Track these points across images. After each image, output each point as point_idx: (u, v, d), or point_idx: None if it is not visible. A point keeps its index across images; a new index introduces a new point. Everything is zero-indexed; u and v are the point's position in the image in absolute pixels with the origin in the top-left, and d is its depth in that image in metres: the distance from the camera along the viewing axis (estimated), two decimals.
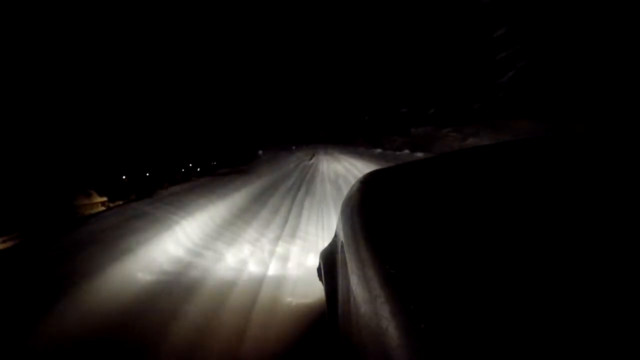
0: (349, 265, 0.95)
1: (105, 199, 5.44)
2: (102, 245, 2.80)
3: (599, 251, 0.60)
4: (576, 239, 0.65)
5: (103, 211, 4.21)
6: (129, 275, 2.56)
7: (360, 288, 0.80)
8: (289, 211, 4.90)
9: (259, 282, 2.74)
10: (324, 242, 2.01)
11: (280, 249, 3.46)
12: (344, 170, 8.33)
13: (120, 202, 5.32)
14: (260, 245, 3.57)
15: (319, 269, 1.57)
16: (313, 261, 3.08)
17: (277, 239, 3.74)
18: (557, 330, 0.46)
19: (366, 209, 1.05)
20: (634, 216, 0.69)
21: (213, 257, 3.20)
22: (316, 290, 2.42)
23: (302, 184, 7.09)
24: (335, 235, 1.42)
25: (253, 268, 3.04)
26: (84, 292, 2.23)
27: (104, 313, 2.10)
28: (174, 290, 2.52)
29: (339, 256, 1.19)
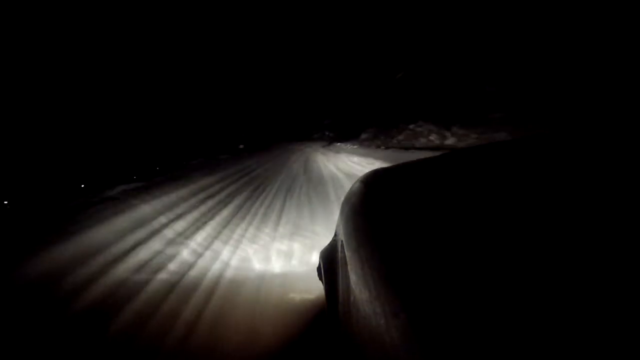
0: (348, 264, 0.95)
1: None
2: (89, 246, 2.80)
3: (604, 254, 0.60)
4: (581, 240, 0.65)
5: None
6: (124, 277, 2.58)
7: (360, 287, 0.80)
8: (293, 209, 4.91)
9: (262, 279, 2.77)
10: (327, 241, 2.03)
11: (283, 246, 3.48)
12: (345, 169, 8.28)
13: None
14: (263, 243, 3.59)
15: (318, 268, 1.57)
16: (316, 258, 3.10)
17: (280, 236, 3.76)
18: (560, 336, 0.45)
19: (366, 208, 1.04)
20: (634, 216, 0.68)
21: (214, 257, 3.22)
22: (319, 287, 2.44)
23: (304, 182, 7.09)
24: (335, 234, 1.42)
25: (256, 265, 3.06)
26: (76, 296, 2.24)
27: (103, 316, 2.12)
28: (176, 290, 2.54)
29: (339, 255, 1.19)
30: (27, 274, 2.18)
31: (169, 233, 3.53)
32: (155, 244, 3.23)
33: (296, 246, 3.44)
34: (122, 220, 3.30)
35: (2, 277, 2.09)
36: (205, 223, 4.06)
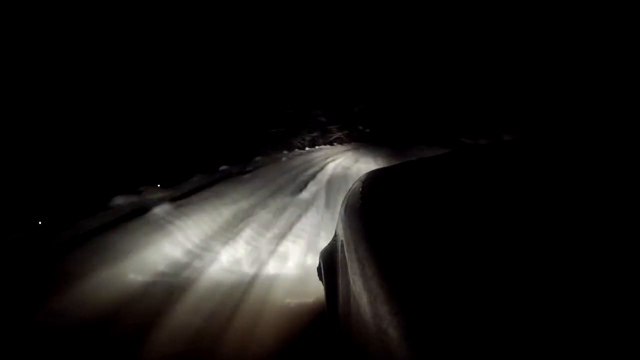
0: (348, 264, 0.95)
1: None
2: (98, 247, 2.79)
3: (600, 252, 0.60)
4: (579, 240, 0.65)
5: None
6: (123, 276, 2.57)
7: (360, 288, 0.80)
8: (288, 210, 4.88)
9: (258, 283, 2.75)
10: (324, 242, 2.03)
11: (280, 247, 3.46)
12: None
13: None
14: (258, 244, 3.57)
15: (318, 269, 1.57)
16: (311, 260, 3.09)
17: (276, 238, 3.74)
18: (560, 339, 0.45)
19: (366, 208, 1.05)
20: (633, 216, 0.69)
21: (211, 258, 3.20)
22: (315, 291, 2.43)
23: (304, 182, 7.05)
24: (335, 235, 1.42)
25: (252, 268, 3.04)
26: (79, 292, 2.23)
27: (99, 313, 2.11)
28: (172, 292, 2.52)
29: (339, 255, 1.19)
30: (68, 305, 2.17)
31: (190, 245, 3.50)
32: (179, 256, 3.18)
33: (291, 248, 3.42)
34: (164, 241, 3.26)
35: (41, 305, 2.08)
36: (223, 234, 4.01)
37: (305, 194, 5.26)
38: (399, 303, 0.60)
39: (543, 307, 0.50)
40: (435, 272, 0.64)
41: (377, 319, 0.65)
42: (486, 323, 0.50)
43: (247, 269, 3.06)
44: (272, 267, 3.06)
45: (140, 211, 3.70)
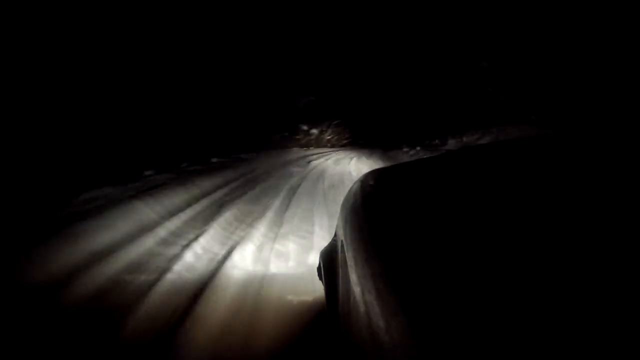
0: (348, 264, 0.95)
1: None
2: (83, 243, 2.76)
3: (599, 251, 0.61)
4: (580, 240, 0.66)
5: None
6: (116, 276, 2.55)
7: (360, 287, 0.81)
8: (289, 209, 4.88)
9: (259, 280, 2.76)
10: (325, 241, 2.04)
11: (281, 247, 3.47)
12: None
13: None
14: (260, 244, 3.58)
15: (318, 269, 1.58)
16: (313, 259, 3.10)
17: (278, 237, 3.75)
18: (559, 341, 0.46)
19: (366, 208, 1.05)
20: (633, 216, 0.69)
21: (209, 257, 3.20)
22: (316, 288, 2.44)
23: (302, 182, 7.03)
24: (335, 235, 1.43)
25: (254, 267, 3.05)
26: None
27: (91, 316, 2.09)
28: (169, 290, 2.52)
29: (339, 255, 1.19)
30: (29, 280, 2.15)
31: (165, 234, 3.50)
32: (151, 244, 3.19)
33: (293, 247, 3.43)
34: (124, 223, 3.25)
35: (3, 284, 2.06)
36: (202, 223, 4.03)
37: None
38: (400, 303, 0.61)
39: (543, 307, 0.51)
40: (436, 272, 0.64)
41: (377, 318, 0.66)
42: (487, 323, 0.50)
43: (250, 266, 3.07)
44: (273, 266, 3.08)
45: (120, 201, 3.68)
